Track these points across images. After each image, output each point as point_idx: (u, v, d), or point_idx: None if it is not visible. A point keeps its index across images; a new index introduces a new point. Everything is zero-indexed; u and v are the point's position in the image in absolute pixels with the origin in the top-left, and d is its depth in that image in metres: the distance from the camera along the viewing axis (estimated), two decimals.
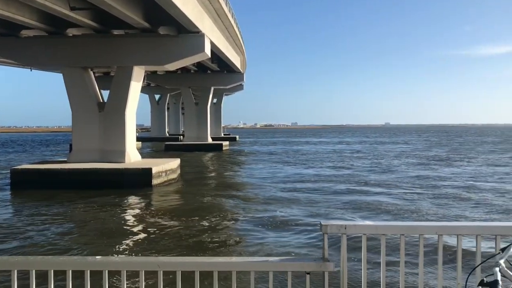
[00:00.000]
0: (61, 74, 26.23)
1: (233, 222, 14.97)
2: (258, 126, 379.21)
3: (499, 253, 2.38)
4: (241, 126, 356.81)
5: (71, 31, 25.51)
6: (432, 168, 32.28)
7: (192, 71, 52.32)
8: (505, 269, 2.26)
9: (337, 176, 27.14)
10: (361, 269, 3.20)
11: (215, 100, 76.36)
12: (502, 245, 2.47)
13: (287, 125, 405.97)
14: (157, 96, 78.94)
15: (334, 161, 39.17)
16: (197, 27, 24.85)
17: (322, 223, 3.05)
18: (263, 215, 15.52)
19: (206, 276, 3.10)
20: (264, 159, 41.24)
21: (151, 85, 64.72)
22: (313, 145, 70.60)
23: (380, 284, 3.06)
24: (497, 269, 2.25)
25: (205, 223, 14.51)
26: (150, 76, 52.16)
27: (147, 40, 25.35)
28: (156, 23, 24.43)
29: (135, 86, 26.40)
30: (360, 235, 3.06)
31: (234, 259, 3.39)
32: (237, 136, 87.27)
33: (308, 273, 3.04)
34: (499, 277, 2.16)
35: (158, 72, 50.77)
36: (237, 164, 37.18)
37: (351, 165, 35.06)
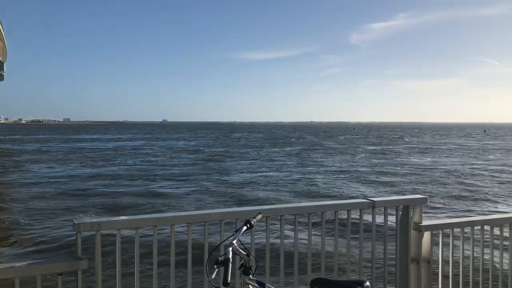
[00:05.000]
0: None
1: None
2: (23, 121, 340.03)
3: (233, 234, 2.67)
4: (2, 121, 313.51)
5: None
6: (215, 161, 34.61)
7: None
8: (237, 247, 2.55)
9: (129, 173, 26.49)
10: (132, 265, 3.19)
11: None
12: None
13: (58, 121, 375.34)
14: None
15: (117, 158, 38.06)
16: None
17: (75, 222, 2.94)
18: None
19: None
20: (34, 159, 37.16)
21: None
22: (95, 142, 67.05)
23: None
24: (230, 248, 2.52)
25: None
26: None
27: None
28: None
29: None
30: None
31: None
32: None
33: (60, 274, 2.91)
34: (230, 255, 2.44)
35: None
36: None
37: (132, 162, 34.67)
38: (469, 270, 4.05)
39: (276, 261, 3.49)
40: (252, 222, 2.76)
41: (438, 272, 4.01)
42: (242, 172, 27.94)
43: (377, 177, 25.44)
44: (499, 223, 4.17)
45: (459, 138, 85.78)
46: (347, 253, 3.68)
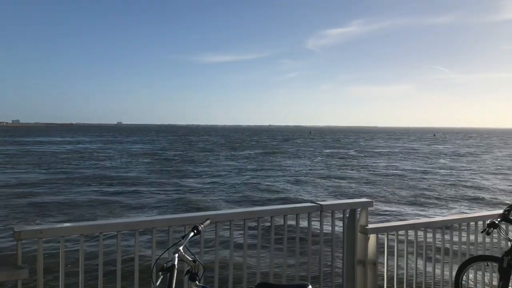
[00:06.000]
0: None
1: None
2: None
3: (180, 240, 2.65)
4: None
5: None
6: (172, 165, 34.15)
7: None
8: (183, 253, 2.54)
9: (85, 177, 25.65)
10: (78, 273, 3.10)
11: None
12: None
13: (6, 123, 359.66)
14: None
15: (71, 162, 36.82)
16: None
17: (15, 229, 2.84)
18: None
19: None
20: None
21: None
22: (47, 145, 64.58)
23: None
24: (176, 255, 2.50)
25: None
26: None
27: None
28: None
29: None
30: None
31: None
32: None
33: None
34: (176, 262, 2.42)
35: None
36: None
37: (87, 166, 33.68)
38: (413, 271, 4.21)
39: (226, 267, 3.50)
40: (200, 228, 2.75)
41: (383, 274, 4.15)
42: (200, 176, 27.74)
43: (333, 181, 25.94)
44: (440, 225, 4.37)
45: (411, 142, 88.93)
46: (295, 257, 3.74)
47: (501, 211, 4.04)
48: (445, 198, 20.02)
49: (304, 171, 31.25)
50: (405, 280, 4.16)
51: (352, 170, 32.40)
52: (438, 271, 4.39)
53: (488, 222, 3.89)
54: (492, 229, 3.82)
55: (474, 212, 5.26)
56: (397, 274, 4.13)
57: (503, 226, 4.06)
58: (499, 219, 3.90)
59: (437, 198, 19.80)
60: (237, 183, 24.24)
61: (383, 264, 4.16)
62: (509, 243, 3.97)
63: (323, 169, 32.43)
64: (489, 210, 5.19)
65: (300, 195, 20.58)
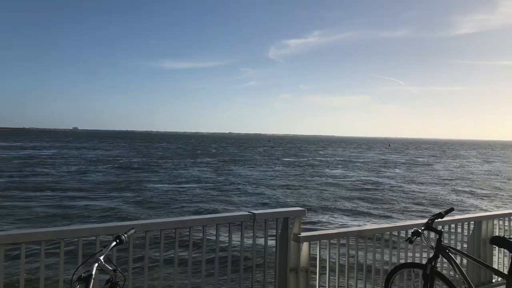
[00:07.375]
0: None
1: None
2: None
3: (101, 250, 2.64)
4: None
5: None
6: (130, 173, 33.47)
7: None
8: (103, 263, 2.52)
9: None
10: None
11: None
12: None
13: None
14: None
15: (24, 169, 35.42)
16: None
17: None
18: None
19: None
20: None
21: None
22: None
23: None
24: (95, 264, 2.49)
25: None
26: None
27: None
28: None
29: None
30: None
31: None
32: None
33: None
34: (94, 272, 2.41)
35: None
36: None
37: (42, 173, 32.51)
38: (345, 280, 4.33)
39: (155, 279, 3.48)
40: (123, 238, 2.74)
41: (315, 281, 4.25)
42: (158, 184, 27.35)
43: (290, 190, 26.25)
44: (371, 234, 4.53)
45: (366, 152, 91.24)
46: (227, 269, 3.77)
47: (425, 220, 4.24)
48: (396, 209, 20.65)
49: (263, 180, 31.43)
50: (337, 287, 4.28)
51: (311, 178, 32.89)
52: (369, 279, 4.54)
53: (412, 230, 4.07)
54: (415, 237, 3.99)
55: (404, 221, 5.48)
56: (329, 282, 4.24)
57: (430, 235, 4.26)
58: (422, 228, 4.09)
59: (387, 210, 20.36)
60: (195, 193, 24.07)
61: (315, 271, 4.26)
62: (432, 250, 4.16)
63: (282, 179, 32.72)
64: (419, 219, 5.41)
65: (252, 204, 20.69)
